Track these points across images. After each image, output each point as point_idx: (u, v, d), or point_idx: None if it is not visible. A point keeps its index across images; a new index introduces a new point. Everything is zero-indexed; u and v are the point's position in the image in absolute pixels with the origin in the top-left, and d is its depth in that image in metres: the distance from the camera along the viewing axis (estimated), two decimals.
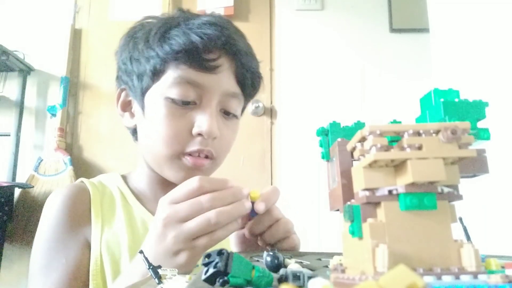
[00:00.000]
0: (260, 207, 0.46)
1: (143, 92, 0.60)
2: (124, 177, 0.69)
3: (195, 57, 0.55)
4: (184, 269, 0.41)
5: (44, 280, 0.55)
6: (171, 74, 0.57)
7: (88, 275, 0.57)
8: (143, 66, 0.58)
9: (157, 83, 0.58)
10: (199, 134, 0.56)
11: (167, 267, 0.41)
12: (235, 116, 0.63)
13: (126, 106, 0.65)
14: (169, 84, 0.57)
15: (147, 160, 0.63)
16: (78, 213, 0.61)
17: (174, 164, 0.58)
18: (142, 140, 0.62)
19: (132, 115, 0.64)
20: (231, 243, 0.59)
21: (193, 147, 0.56)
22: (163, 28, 0.58)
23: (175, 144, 0.56)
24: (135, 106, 0.63)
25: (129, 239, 0.59)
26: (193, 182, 0.43)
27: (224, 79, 0.58)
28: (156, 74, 0.57)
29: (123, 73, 0.63)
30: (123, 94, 0.65)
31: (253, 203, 0.46)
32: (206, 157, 0.58)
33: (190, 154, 0.57)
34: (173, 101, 0.56)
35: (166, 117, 0.56)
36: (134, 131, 0.66)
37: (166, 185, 0.60)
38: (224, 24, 0.59)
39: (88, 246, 0.59)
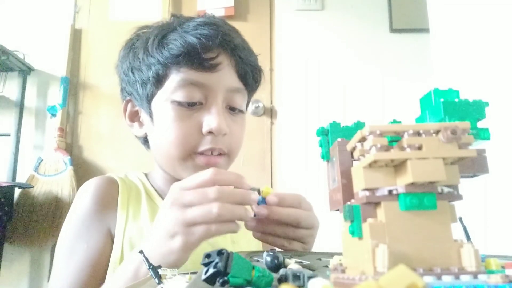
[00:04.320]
0: (271, 198, 0.47)
1: (149, 100, 0.61)
2: (146, 175, 0.71)
3: (195, 58, 0.56)
4: (177, 256, 0.42)
5: (66, 263, 0.58)
6: (174, 78, 0.58)
7: (108, 263, 0.58)
8: (145, 74, 0.59)
9: (162, 89, 0.59)
10: (209, 132, 0.57)
11: (163, 249, 0.43)
12: (241, 111, 0.64)
13: (134, 117, 0.67)
14: (173, 88, 0.58)
15: (161, 165, 0.65)
16: (105, 202, 0.62)
17: (188, 164, 0.59)
18: (154, 146, 0.64)
19: (141, 124, 0.66)
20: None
21: (205, 146, 0.58)
22: (160, 34, 0.59)
23: (186, 144, 0.58)
24: (143, 115, 0.64)
25: None
26: (207, 173, 0.45)
27: (226, 76, 0.59)
28: (159, 80, 0.59)
29: (126, 84, 0.65)
30: (129, 105, 0.67)
31: (264, 198, 0.47)
32: (219, 154, 0.60)
33: (202, 154, 0.58)
34: (179, 104, 0.57)
35: (175, 120, 0.57)
36: (145, 140, 0.67)
37: None
38: (218, 23, 0.60)
39: (110, 235, 0.61)
